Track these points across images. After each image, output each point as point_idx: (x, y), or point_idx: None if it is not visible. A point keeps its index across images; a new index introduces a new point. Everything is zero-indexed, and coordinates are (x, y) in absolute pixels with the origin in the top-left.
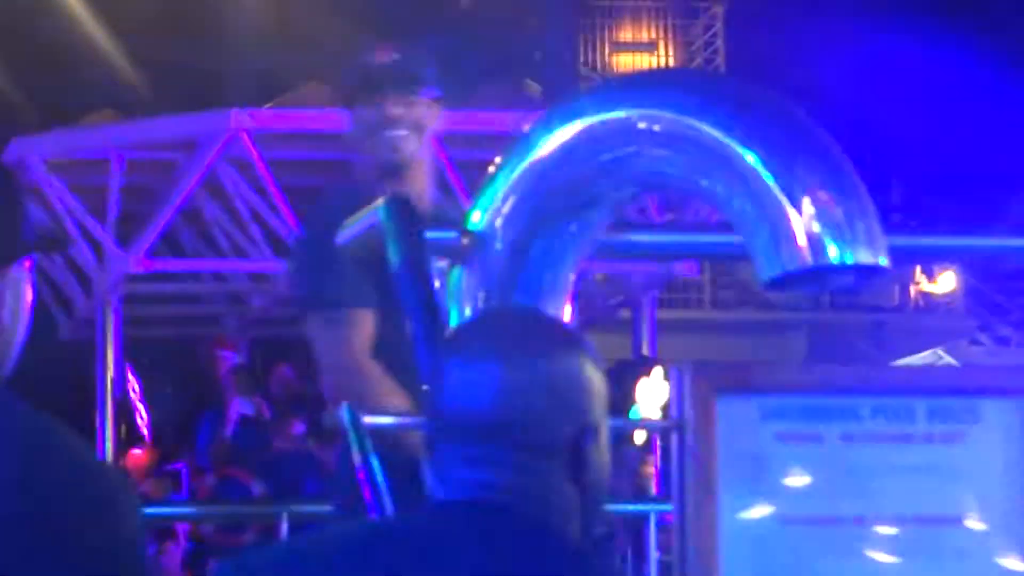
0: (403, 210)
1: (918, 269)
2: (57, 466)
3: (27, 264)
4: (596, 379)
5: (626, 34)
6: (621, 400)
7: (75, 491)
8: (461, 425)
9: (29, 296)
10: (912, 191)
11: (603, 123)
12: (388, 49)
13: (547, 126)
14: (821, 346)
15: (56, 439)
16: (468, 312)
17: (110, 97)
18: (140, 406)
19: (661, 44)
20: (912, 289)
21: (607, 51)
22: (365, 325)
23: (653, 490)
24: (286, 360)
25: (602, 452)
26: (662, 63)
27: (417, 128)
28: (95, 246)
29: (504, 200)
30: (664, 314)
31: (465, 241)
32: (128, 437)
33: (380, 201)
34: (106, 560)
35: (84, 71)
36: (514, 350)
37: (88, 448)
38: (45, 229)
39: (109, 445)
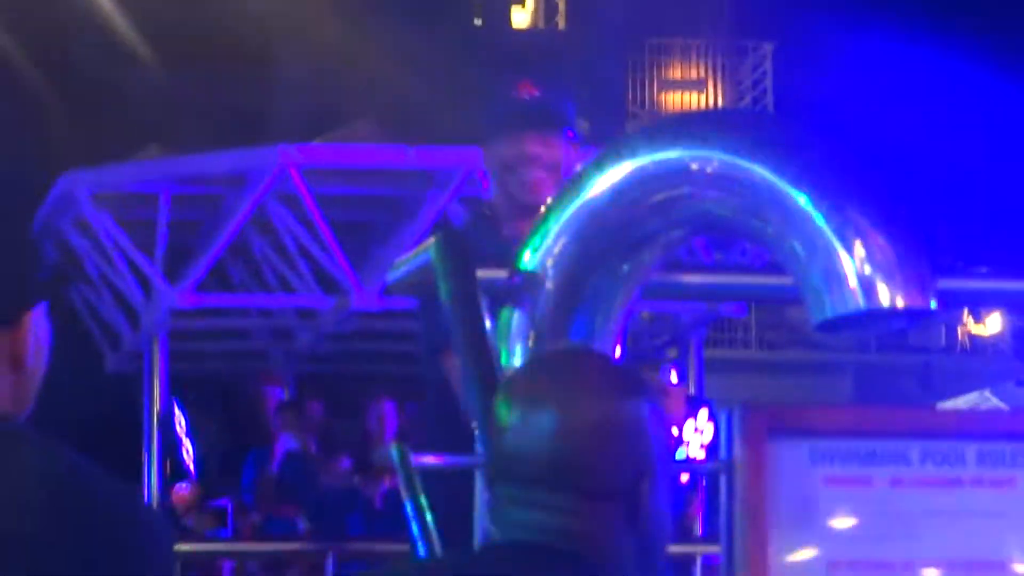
0: (456, 248)
1: (965, 311)
2: (90, 513)
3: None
4: (655, 423)
5: (675, 72)
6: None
7: (107, 540)
8: (519, 467)
9: (47, 336)
10: (962, 232)
11: (654, 164)
12: (529, 86)
13: (598, 166)
14: (868, 387)
15: (91, 483)
16: (519, 352)
17: (159, 132)
18: (186, 441)
19: (710, 83)
20: (959, 330)
21: (656, 89)
22: None
23: (698, 531)
24: (319, 397)
25: (661, 497)
26: (710, 102)
27: (554, 169)
28: (142, 281)
29: (556, 240)
30: (711, 353)
31: (516, 281)
32: (174, 472)
33: (432, 239)
34: None
35: (133, 106)
36: (573, 393)
37: (125, 493)
38: (53, 267)
39: (154, 480)
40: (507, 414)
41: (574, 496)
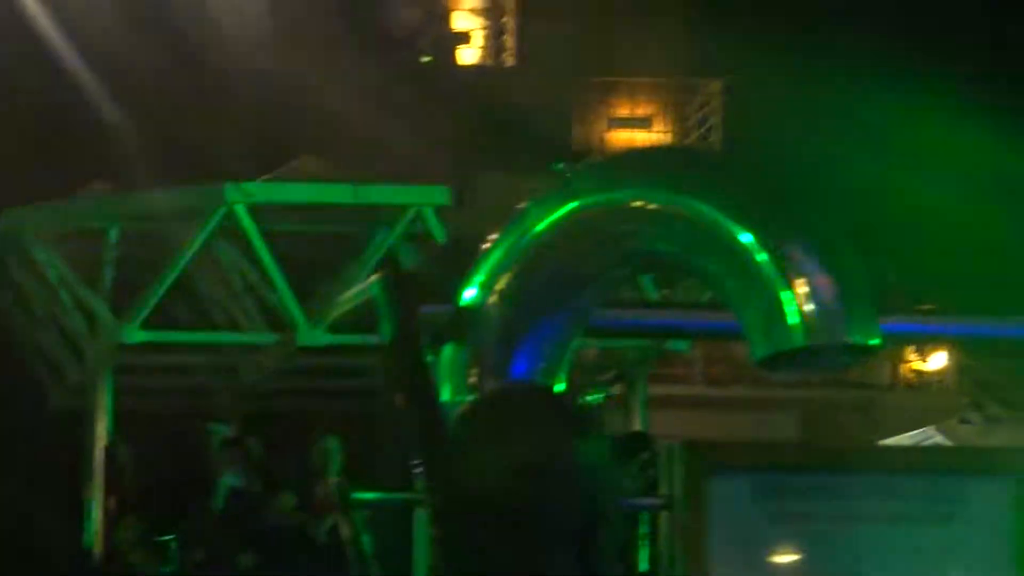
0: (399, 286)
1: (910, 348)
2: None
3: None
4: (609, 465)
5: (623, 110)
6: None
7: None
8: (471, 506)
9: None
10: (908, 270)
11: (598, 202)
12: None
13: (543, 204)
14: (812, 424)
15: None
16: (461, 387)
17: (106, 168)
18: (131, 476)
19: (657, 120)
20: (904, 368)
21: (603, 126)
22: None
23: (643, 566)
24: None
25: (612, 539)
26: (658, 139)
27: None
28: (88, 316)
29: (498, 276)
30: (656, 389)
31: (458, 317)
32: (118, 508)
33: (375, 276)
34: None
35: (80, 142)
36: (530, 434)
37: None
38: None
39: (99, 515)
40: (461, 450)
41: (534, 538)
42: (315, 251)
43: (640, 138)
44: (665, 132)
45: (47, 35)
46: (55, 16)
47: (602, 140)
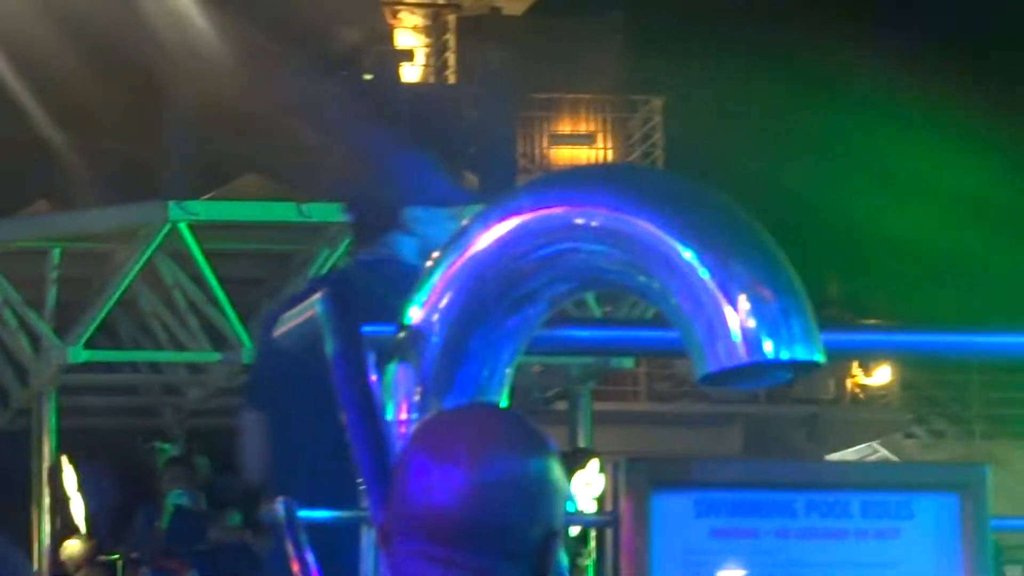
0: (340, 303)
1: (854, 363)
2: None
3: None
4: (562, 481)
5: (564, 127)
6: None
7: None
8: (426, 524)
9: None
10: (849, 284)
11: (539, 219)
12: None
13: (484, 221)
14: (757, 438)
15: None
16: (405, 407)
17: (47, 187)
18: (76, 496)
19: (599, 137)
20: (848, 382)
21: (545, 143)
22: None
23: None
24: (208, 451)
25: (559, 556)
26: (600, 156)
27: None
28: (32, 337)
29: (441, 295)
30: (600, 406)
31: (401, 336)
32: (64, 527)
33: (317, 295)
34: None
35: (21, 161)
36: (486, 451)
37: None
38: None
39: (44, 535)
40: (413, 469)
41: (483, 556)
42: (259, 269)
43: (583, 155)
44: (608, 149)
45: None
46: None
47: (545, 157)
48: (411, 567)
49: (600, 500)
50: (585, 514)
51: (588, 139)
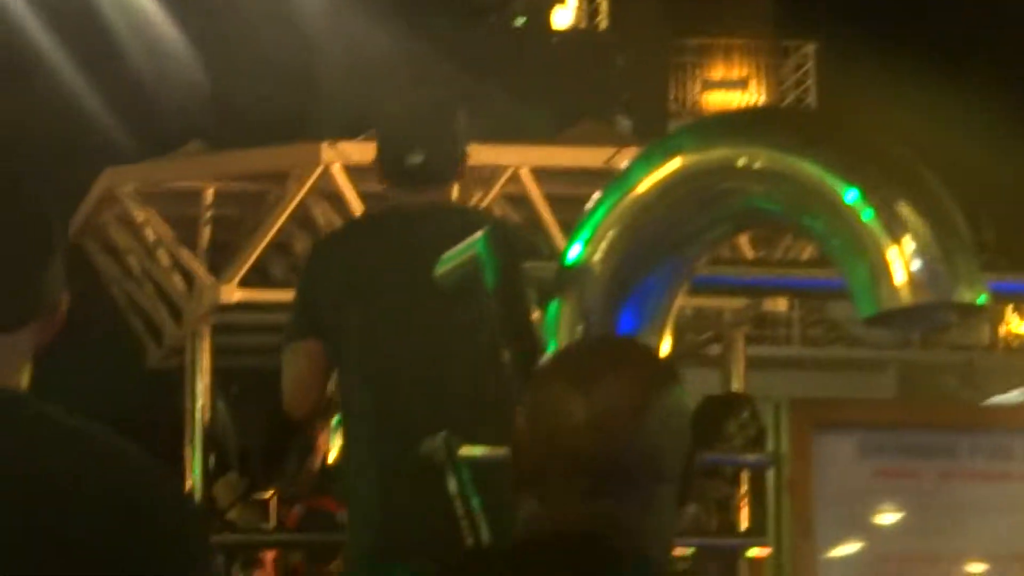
0: (503, 241)
1: (1009, 308)
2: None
3: (46, 326)
4: (689, 407)
5: (717, 72)
6: (712, 435)
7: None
8: (577, 457)
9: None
10: (1005, 229)
11: (701, 159)
12: None
13: (646, 162)
14: (910, 384)
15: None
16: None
17: (201, 129)
18: (229, 435)
19: (752, 83)
20: (1002, 328)
21: (697, 89)
22: None
23: (741, 526)
24: None
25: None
26: (752, 102)
27: None
28: (186, 275)
29: (603, 233)
30: (753, 350)
31: (563, 273)
32: (217, 466)
33: (480, 232)
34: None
35: (176, 103)
36: (633, 381)
37: (143, 461)
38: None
39: (198, 474)
40: (558, 401)
41: (638, 484)
42: None
43: (735, 100)
44: (760, 95)
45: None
46: None
47: (697, 103)
48: (564, 502)
49: (754, 442)
50: (742, 455)
51: (740, 85)
